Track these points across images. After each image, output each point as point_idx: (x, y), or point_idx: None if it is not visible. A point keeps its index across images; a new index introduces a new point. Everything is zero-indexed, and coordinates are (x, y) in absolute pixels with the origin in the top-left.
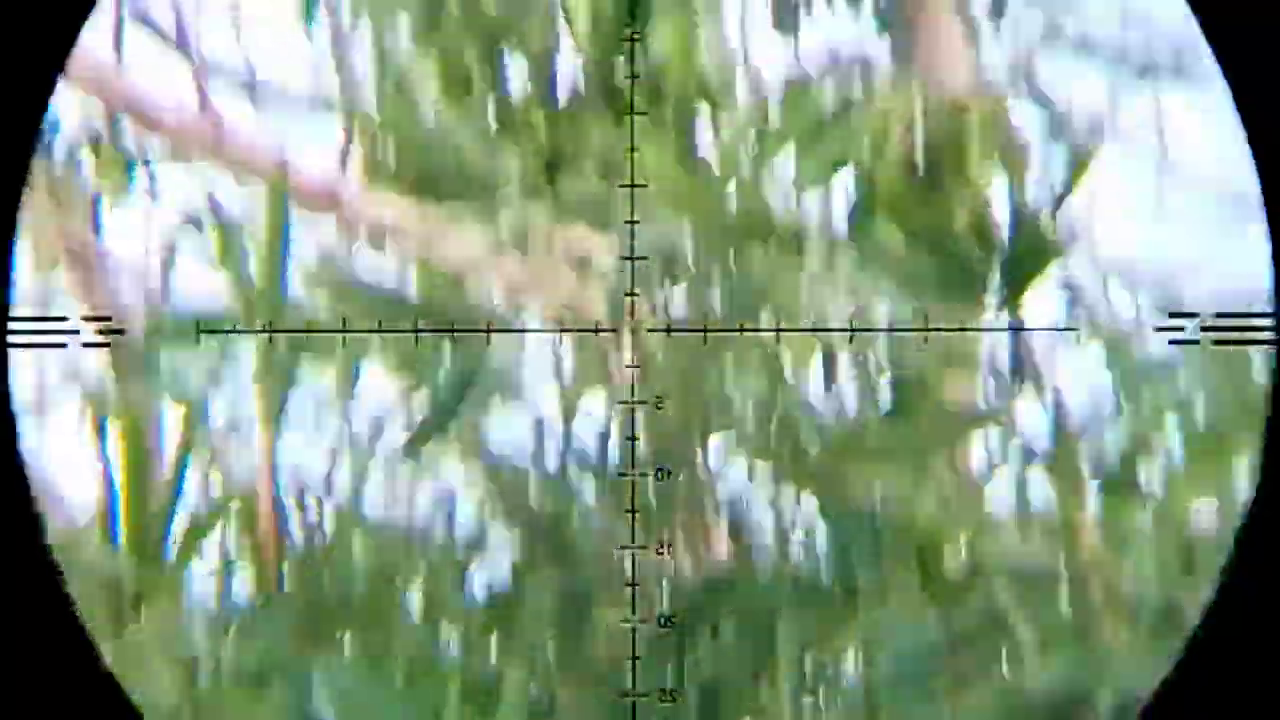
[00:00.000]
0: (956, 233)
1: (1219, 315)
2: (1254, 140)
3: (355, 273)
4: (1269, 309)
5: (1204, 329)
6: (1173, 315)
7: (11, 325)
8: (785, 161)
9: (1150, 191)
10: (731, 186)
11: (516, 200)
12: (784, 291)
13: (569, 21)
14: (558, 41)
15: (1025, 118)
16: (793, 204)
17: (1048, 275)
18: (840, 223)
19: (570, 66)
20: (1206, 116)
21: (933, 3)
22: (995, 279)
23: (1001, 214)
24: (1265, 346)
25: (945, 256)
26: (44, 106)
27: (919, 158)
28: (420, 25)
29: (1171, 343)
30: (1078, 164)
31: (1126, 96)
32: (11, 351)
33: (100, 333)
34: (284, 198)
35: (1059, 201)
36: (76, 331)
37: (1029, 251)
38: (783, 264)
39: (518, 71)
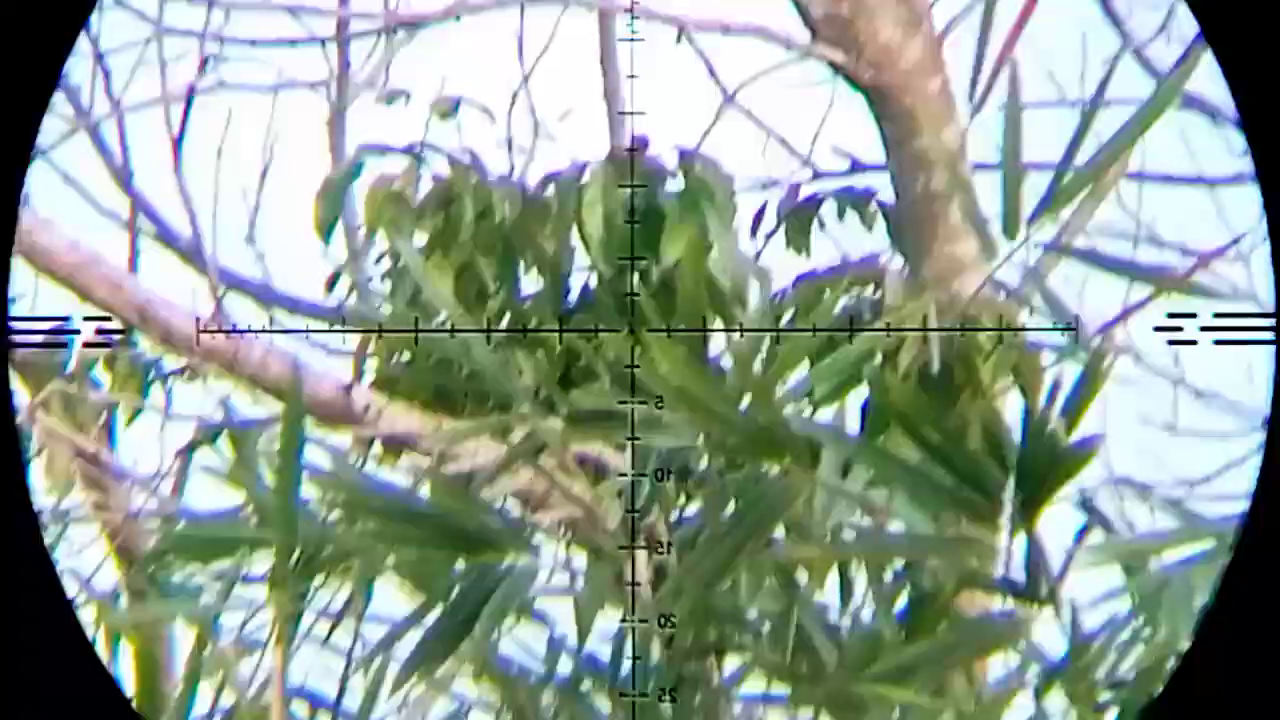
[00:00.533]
0: (969, 447)
1: (1218, 315)
2: (1254, 140)
3: (369, 486)
4: (1269, 309)
5: (1203, 329)
6: (1171, 315)
7: (11, 325)
8: (798, 373)
9: (1165, 404)
10: (745, 399)
11: (530, 412)
12: (798, 505)
13: (583, 237)
14: (571, 254)
15: (1038, 329)
16: (806, 415)
17: (1063, 490)
18: (854, 435)
19: (583, 278)
20: (1221, 333)
21: (944, 212)
22: (1009, 493)
23: (1015, 428)
24: (1265, 346)
25: (959, 471)
26: (44, 106)
27: (932, 369)
28: (435, 239)
29: (1171, 343)
30: (1092, 377)
31: (1139, 309)
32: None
33: (100, 333)
34: (299, 411)
35: (1073, 414)
36: (77, 331)
37: (1043, 466)
38: (797, 477)
39: (531, 283)
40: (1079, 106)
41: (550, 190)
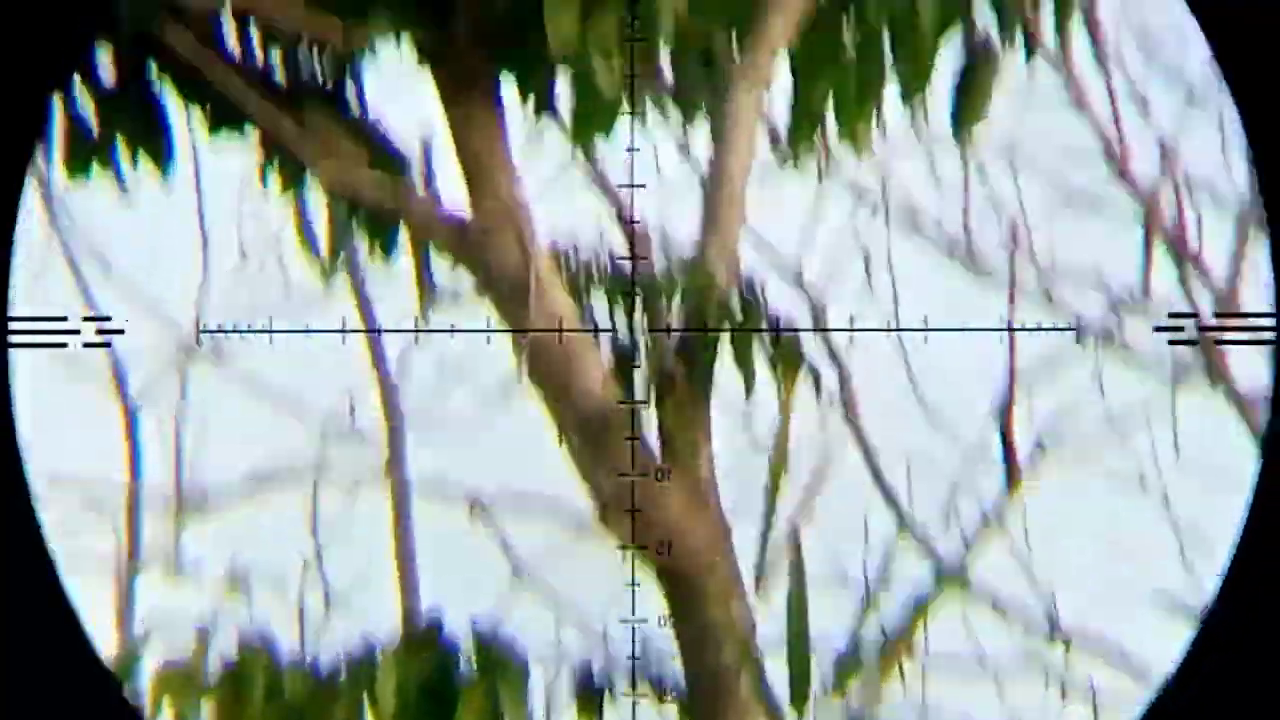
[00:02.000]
0: None
1: (1218, 315)
2: (1255, 139)
3: None
4: (1269, 309)
5: (1203, 329)
6: (1172, 315)
7: (11, 325)
8: None
9: None
10: None
11: None
12: None
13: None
14: None
15: None
16: None
17: None
18: None
19: None
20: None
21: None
22: None
23: None
24: (1265, 346)
25: None
26: (44, 109)
27: None
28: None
29: (1171, 343)
30: None
31: None
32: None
33: (100, 333)
34: None
35: None
36: (77, 331)
37: None
38: None
39: None
40: (860, 589)
41: (342, 669)
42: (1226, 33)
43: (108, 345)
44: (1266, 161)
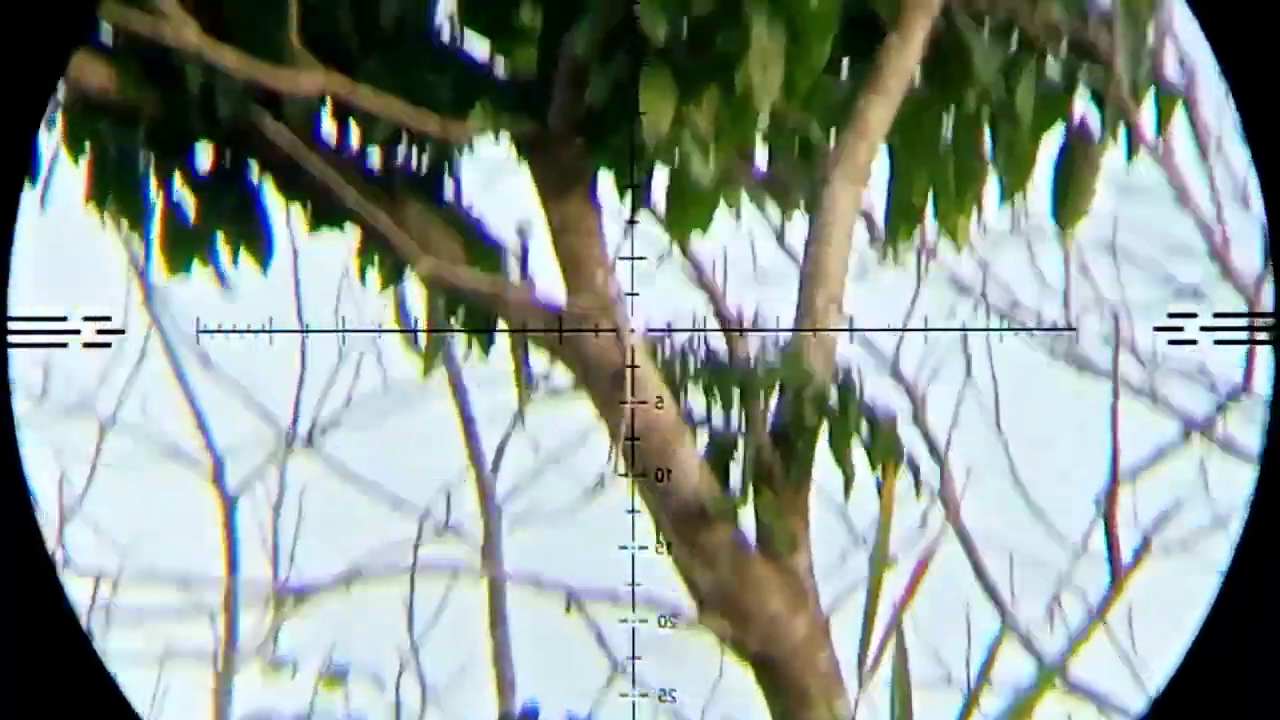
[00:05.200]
0: None
1: (1218, 315)
2: (1254, 140)
3: None
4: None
5: (1203, 329)
6: (1172, 315)
7: (11, 325)
8: None
9: None
10: None
11: None
12: None
13: None
14: None
15: None
16: None
17: None
18: None
19: None
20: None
21: None
22: None
23: None
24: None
25: None
26: (43, 108)
27: None
28: None
29: (1171, 343)
30: None
31: None
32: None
33: (100, 333)
34: None
35: None
36: (77, 331)
37: None
38: None
39: None
40: (963, 686)
41: None
42: (1227, 33)
43: (108, 346)
44: (1266, 161)
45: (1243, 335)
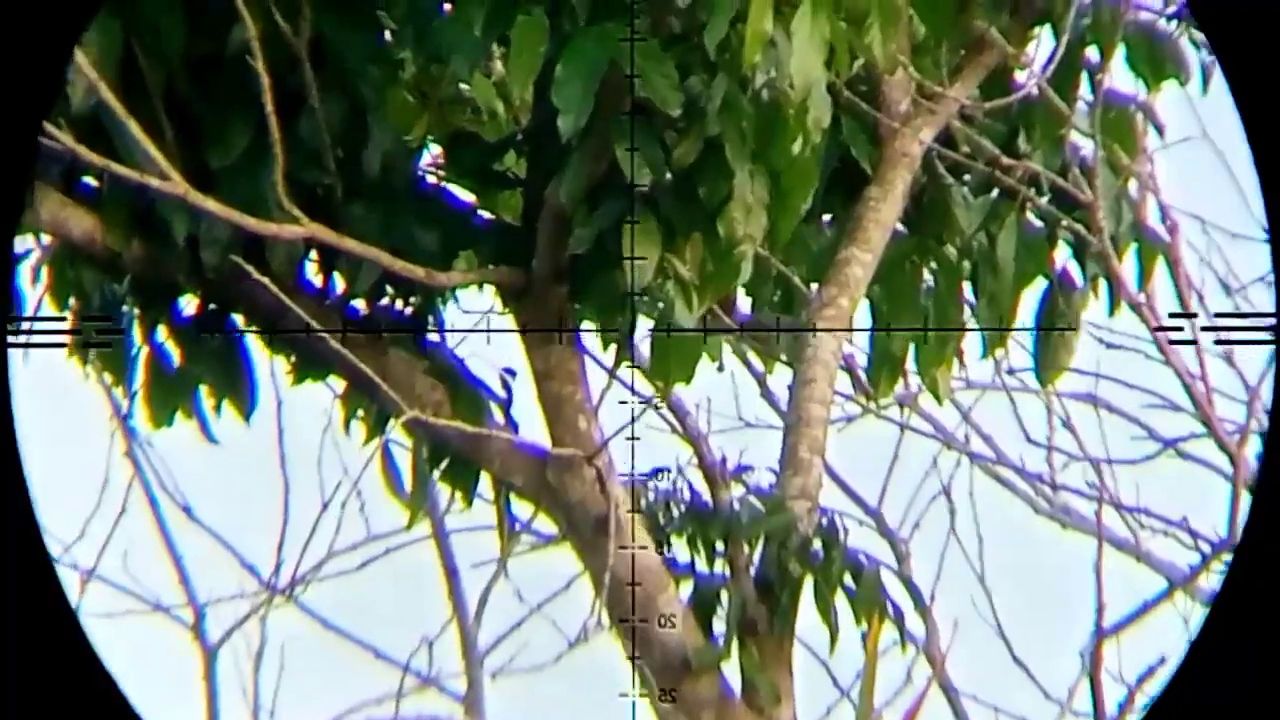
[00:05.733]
0: None
1: (1219, 315)
2: (1255, 139)
3: None
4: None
5: (1204, 329)
6: (1173, 315)
7: (11, 325)
8: None
9: None
10: None
11: None
12: None
13: None
14: None
15: None
16: None
17: None
18: None
19: None
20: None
21: None
22: None
23: None
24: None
25: None
26: (45, 108)
27: None
28: None
29: (1171, 343)
30: None
31: None
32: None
33: (100, 333)
34: None
35: None
36: (78, 331)
37: None
38: None
39: None
40: None
41: None
42: (1227, 33)
43: (108, 346)
44: (1266, 161)
45: (1243, 336)
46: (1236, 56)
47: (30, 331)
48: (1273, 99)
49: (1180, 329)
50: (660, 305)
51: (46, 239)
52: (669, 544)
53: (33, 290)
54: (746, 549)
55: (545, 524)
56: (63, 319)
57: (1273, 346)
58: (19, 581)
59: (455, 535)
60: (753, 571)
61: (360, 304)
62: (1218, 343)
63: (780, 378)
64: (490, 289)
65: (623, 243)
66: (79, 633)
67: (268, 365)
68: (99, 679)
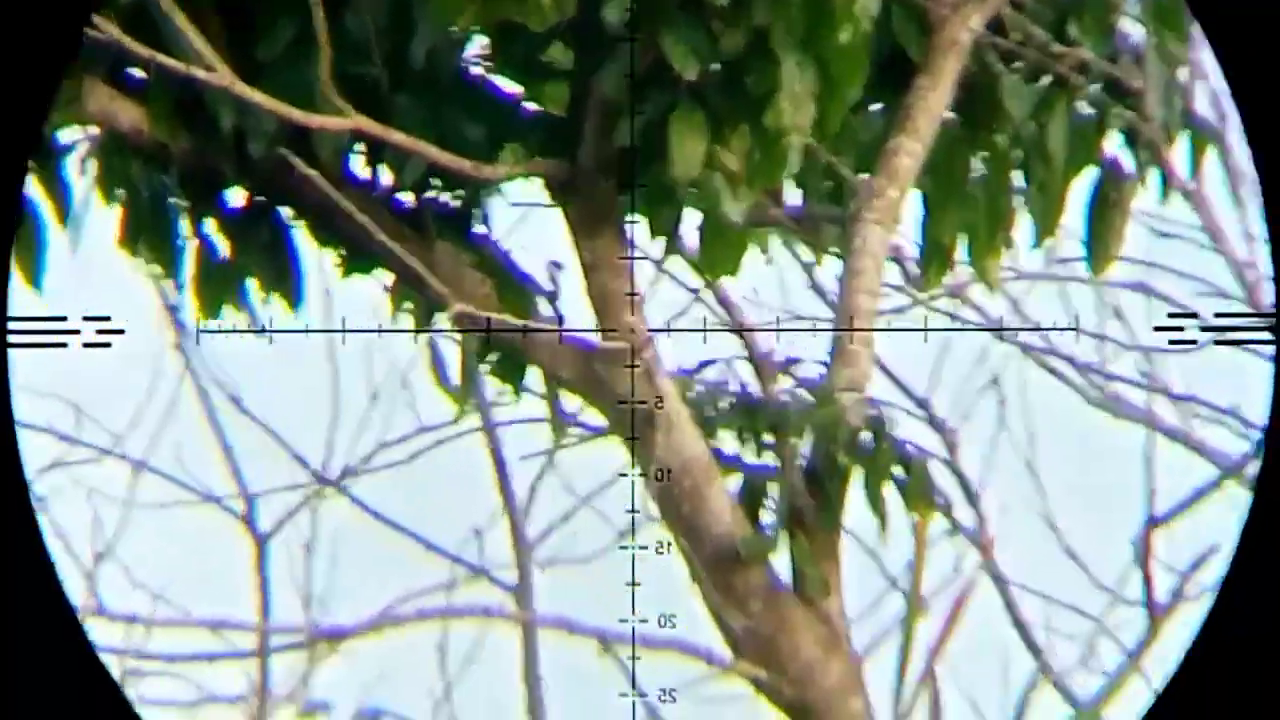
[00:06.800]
0: None
1: (1218, 315)
2: (1255, 139)
3: None
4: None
5: (1204, 329)
6: (1172, 315)
7: (11, 325)
8: None
9: None
10: None
11: None
12: None
13: None
14: None
15: None
16: None
17: None
18: None
19: None
20: (1221, 333)
21: None
22: None
23: None
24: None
25: None
26: (44, 108)
27: None
28: None
29: (1172, 343)
30: None
31: None
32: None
33: (100, 333)
34: None
35: None
36: (77, 331)
37: None
38: None
39: None
40: None
41: None
42: (1227, 34)
43: (108, 346)
44: (1266, 161)
45: (1243, 335)
46: (1237, 56)
47: (30, 331)
48: (1273, 99)
49: (1181, 329)
50: (707, 198)
51: (94, 130)
52: (717, 435)
53: (79, 181)
54: (794, 441)
55: (594, 416)
56: (63, 319)
57: (1273, 347)
58: (19, 581)
59: (503, 428)
60: (801, 463)
61: (407, 196)
62: (1218, 343)
63: (830, 269)
64: (537, 181)
65: (670, 134)
66: (79, 632)
67: (317, 261)
68: (99, 679)
